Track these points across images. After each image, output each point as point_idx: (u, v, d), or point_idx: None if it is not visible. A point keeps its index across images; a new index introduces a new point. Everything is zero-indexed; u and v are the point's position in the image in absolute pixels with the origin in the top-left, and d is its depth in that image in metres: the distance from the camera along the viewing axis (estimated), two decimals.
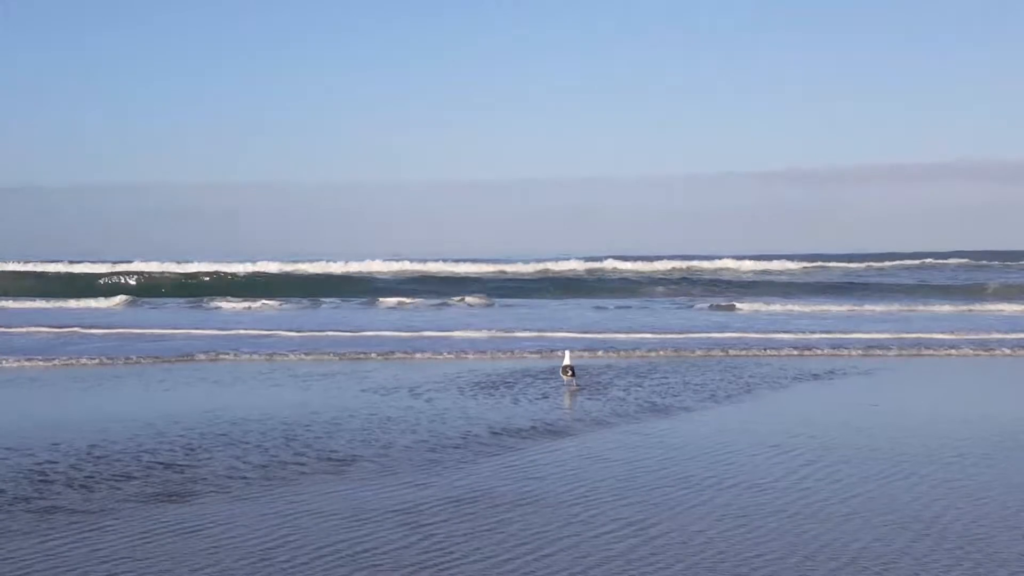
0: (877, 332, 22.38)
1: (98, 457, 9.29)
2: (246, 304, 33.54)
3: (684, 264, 54.86)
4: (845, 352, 19.31)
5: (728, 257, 59.77)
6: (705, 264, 55.18)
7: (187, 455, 9.42)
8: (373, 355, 18.42)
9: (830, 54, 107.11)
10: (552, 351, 18.27)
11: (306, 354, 18.41)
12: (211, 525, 7.10)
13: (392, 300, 35.06)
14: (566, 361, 14.54)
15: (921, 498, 7.97)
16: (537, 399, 13.23)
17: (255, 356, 18.17)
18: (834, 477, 8.70)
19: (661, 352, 19.17)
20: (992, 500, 7.90)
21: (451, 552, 6.48)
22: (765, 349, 19.50)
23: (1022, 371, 17.86)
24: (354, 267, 48.99)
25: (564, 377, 14.44)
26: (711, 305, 33.86)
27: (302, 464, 9.11)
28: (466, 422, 11.36)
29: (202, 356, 18.00)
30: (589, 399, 13.23)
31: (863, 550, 6.56)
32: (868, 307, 31.60)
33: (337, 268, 48.10)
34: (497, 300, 35.68)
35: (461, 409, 12.31)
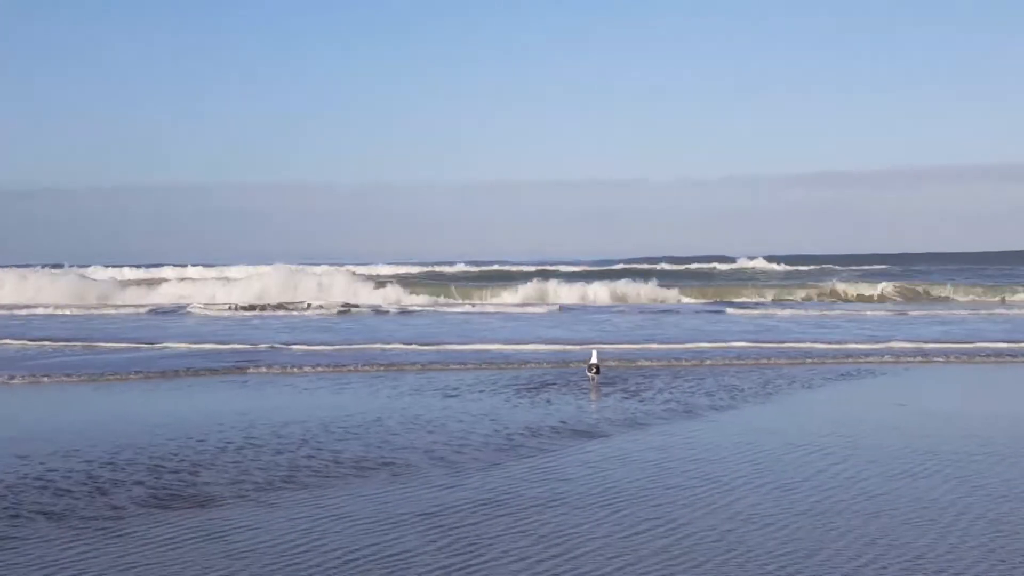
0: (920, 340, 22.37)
1: (121, 463, 9.52)
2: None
3: (710, 266, 55.63)
4: (867, 359, 19.41)
5: (760, 258, 60.53)
6: (738, 266, 55.88)
7: (211, 460, 9.65)
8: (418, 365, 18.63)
9: (864, 54, 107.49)
10: (574, 361, 18.46)
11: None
12: (236, 530, 7.32)
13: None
14: (593, 359, 15.08)
15: (946, 496, 8.16)
16: (567, 402, 13.47)
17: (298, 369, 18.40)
18: (861, 476, 8.89)
19: (687, 361, 19.33)
20: (1017, 498, 8.08)
21: (481, 555, 6.69)
22: (803, 357, 19.40)
23: None
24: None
25: (589, 374, 15.11)
26: (743, 309, 34.21)
27: (327, 467, 9.34)
28: (496, 424, 11.60)
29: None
30: (620, 401, 13.45)
31: (888, 548, 6.75)
32: (911, 311, 31.90)
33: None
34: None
35: (492, 412, 12.55)
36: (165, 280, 48.25)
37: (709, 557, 6.61)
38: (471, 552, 6.75)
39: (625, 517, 7.58)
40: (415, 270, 55.76)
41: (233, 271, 53.64)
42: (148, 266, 58.02)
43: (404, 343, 21.77)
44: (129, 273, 54.16)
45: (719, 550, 6.76)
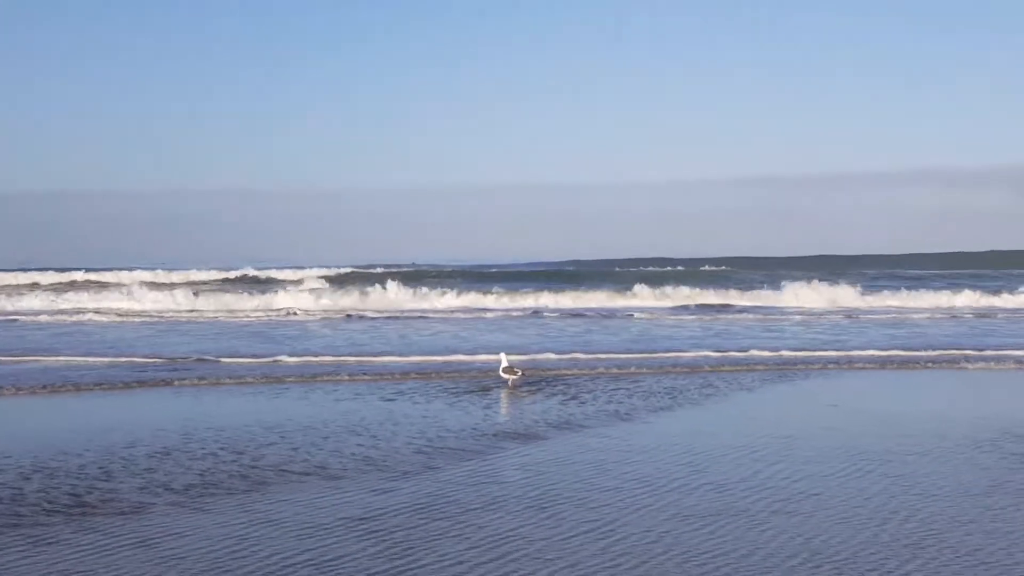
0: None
1: (51, 471, 9.37)
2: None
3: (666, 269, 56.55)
4: (799, 365, 19.79)
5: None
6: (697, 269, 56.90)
7: (142, 467, 9.52)
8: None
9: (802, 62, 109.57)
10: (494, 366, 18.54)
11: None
12: (169, 536, 7.25)
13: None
14: (504, 363, 15.44)
15: (880, 495, 8.38)
16: (503, 406, 13.57)
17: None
18: (796, 476, 9.09)
19: (626, 369, 19.53)
20: (946, 497, 8.34)
21: (419, 559, 6.70)
22: (747, 365, 19.70)
23: (977, 378, 18.41)
24: None
25: (506, 376, 15.37)
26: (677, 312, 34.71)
27: (261, 473, 9.28)
28: (433, 430, 11.61)
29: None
30: (559, 404, 13.56)
31: (823, 546, 6.91)
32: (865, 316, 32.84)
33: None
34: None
35: (429, 417, 12.56)
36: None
37: (647, 558, 6.70)
38: (409, 556, 6.77)
39: (563, 520, 7.65)
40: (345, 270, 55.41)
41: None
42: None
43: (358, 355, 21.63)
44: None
45: (656, 551, 6.86)
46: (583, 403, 13.67)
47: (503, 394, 14.60)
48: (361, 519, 7.70)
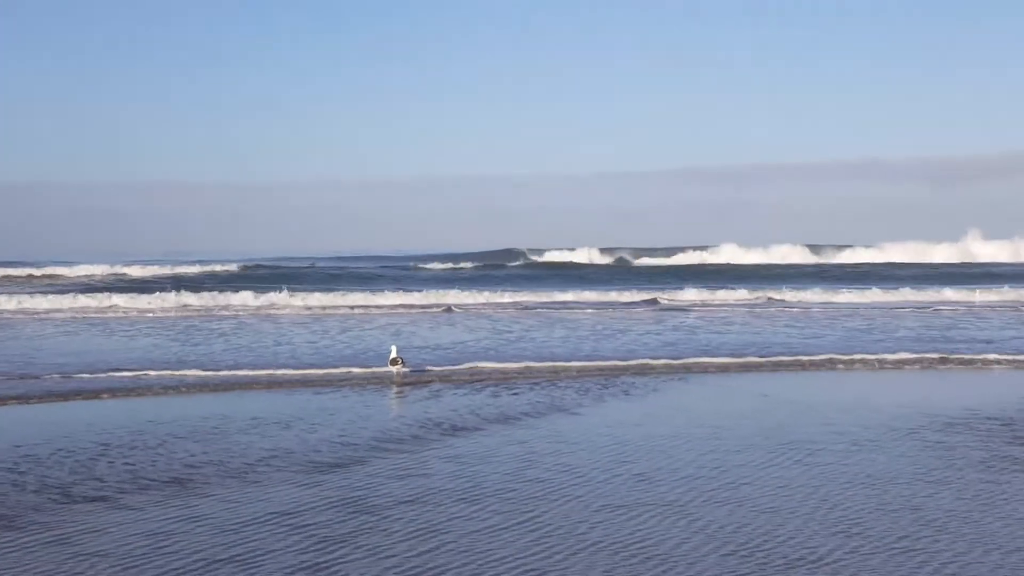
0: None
1: None
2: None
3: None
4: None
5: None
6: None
7: (58, 465, 9.47)
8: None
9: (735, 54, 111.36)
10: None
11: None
12: (89, 534, 7.25)
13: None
14: (393, 354, 15.88)
15: (808, 484, 8.69)
16: (431, 400, 13.65)
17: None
18: (724, 467, 9.34)
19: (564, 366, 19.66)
20: (872, 485, 8.66)
21: (344, 554, 6.79)
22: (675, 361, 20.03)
23: (903, 370, 18.85)
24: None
25: (393, 368, 15.69)
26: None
27: (183, 470, 9.27)
28: (356, 424, 11.68)
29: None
30: (490, 398, 13.66)
31: (751, 535, 7.15)
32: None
33: None
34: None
35: (355, 412, 12.61)
36: None
37: (577, 550, 6.86)
38: (337, 551, 6.85)
39: (493, 512, 7.79)
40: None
41: None
42: None
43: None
44: None
45: (588, 542, 7.02)
46: (514, 397, 13.79)
47: (438, 391, 14.61)
48: (288, 514, 7.75)
